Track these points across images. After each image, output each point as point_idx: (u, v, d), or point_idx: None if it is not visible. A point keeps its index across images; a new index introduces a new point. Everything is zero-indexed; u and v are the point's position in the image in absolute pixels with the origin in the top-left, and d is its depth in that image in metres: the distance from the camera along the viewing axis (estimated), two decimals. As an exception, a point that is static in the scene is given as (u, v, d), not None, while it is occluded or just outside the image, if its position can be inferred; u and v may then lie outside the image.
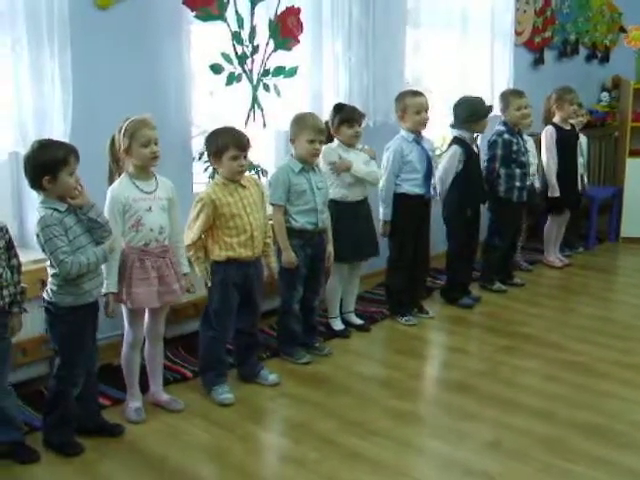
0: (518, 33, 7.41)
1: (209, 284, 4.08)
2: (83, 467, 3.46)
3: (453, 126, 5.70)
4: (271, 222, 4.41)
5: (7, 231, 3.43)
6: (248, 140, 4.07)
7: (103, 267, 3.62)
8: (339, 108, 4.93)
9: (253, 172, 5.08)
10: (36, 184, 3.39)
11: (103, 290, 3.65)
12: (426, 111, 5.14)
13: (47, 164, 3.34)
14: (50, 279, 3.49)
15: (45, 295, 3.52)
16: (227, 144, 3.99)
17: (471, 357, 4.80)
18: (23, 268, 3.55)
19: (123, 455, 3.58)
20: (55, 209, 3.38)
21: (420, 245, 5.32)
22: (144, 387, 4.01)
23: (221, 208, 3.99)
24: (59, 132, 3.96)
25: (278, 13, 4.97)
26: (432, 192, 5.31)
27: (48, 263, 3.47)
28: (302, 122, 4.52)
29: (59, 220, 3.37)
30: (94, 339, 3.67)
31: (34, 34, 3.90)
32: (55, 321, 3.52)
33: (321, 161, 4.81)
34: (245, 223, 4.04)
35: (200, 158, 4.80)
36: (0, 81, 3.90)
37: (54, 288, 3.47)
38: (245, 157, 4.05)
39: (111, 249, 3.54)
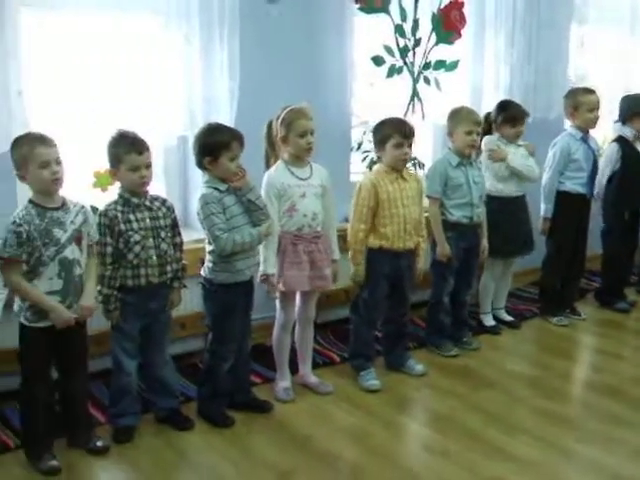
0: (693, 30, 7.06)
1: (361, 280, 4.15)
2: (233, 438, 3.62)
3: (616, 122, 5.53)
4: (426, 215, 4.43)
5: (173, 211, 3.64)
6: (412, 129, 4.12)
7: (260, 249, 3.75)
8: (504, 106, 4.90)
9: (410, 164, 5.12)
10: (199, 163, 3.58)
11: (261, 270, 3.79)
12: (597, 109, 5.03)
13: (210, 146, 3.53)
14: (207, 256, 3.67)
15: (202, 272, 3.71)
16: (391, 132, 4.05)
17: (624, 362, 4.66)
18: (185, 247, 3.75)
19: (271, 431, 3.71)
20: (216, 188, 3.55)
21: (577, 245, 5.20)
22: (294, 368, 4.14)
23: (381, 194, 4.06)
24: (225, 118, 4.14)
25: (441, 6, 4.98)
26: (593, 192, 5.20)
27: (207, 240, 3.64)
28: (459, 115, 4.52)
29: (218, 199, 3.54)
30: (247, 318, 3.82)
31: (206, 24, 4.11)
32: (209, 297, 3.70)
33: (482, 152, 4.83)
34: (400, 214, 4.08)
35: (358, 148, 4.89)
36: (173, 69, 4.11)
37: (210, 265, 3.65)
38: (409, 146, 4.09)
39: (267, 233, 3.67)
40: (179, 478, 3.37)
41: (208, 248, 3.65)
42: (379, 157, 4.21)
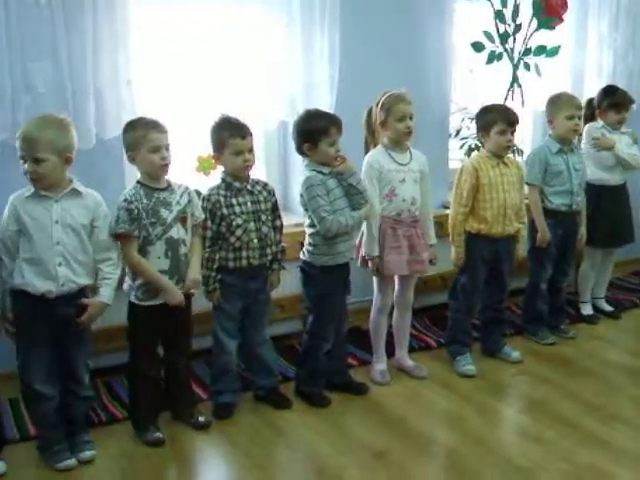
0: None
1: (462, 263, 4.17)
2: (329, 418, 3.70)
3: None
4: (526, 202, 4.40)
5: (274, 194, 3.73)
6: (517, 117, 4.11)
7: (364, 231, 3.84)
8: (611, 91, 4.82)
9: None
10: (299, 149, 3.67)
11: (364, 253, 3.86)
12: None
13: (308, 132, 3.61)
14: (307, 239, 3.75)
15: (302, 255, 3.79)
16: (496, 119, 4.06)
17: None
18: (285, 230, 3.83)
19: (366, 412, 3.78)
20: (319, 171, 3.63)
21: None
22: (390, 352, 4.19)
23: (482, 178, 4.07)
24: (325, 104, 4.21)
25: (543, -9, 4.92)
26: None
27: (307, 223, 3.73)
28: (559, 100, 4.47)
29: (322, 181, 3.61)
30: (344, 300, 3.88)
31: (307, 11, 4.18)
32: (309, 279, 3.78)
33: (583, 139, 4.78)
34: (500, 199, 4.08)
35: (457, 135, 4.88)
36: (274, 56, 4.21)
37: (310, 248, 3.73)
38: (512, 133, 4.08)
39: (366, 217, 3.73)
40: (276, 454, 3.47)
41: (309, 231, 3.73)
42: (482, 142, 4.22)
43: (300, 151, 3.68)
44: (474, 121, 4.36)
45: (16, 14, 3.49)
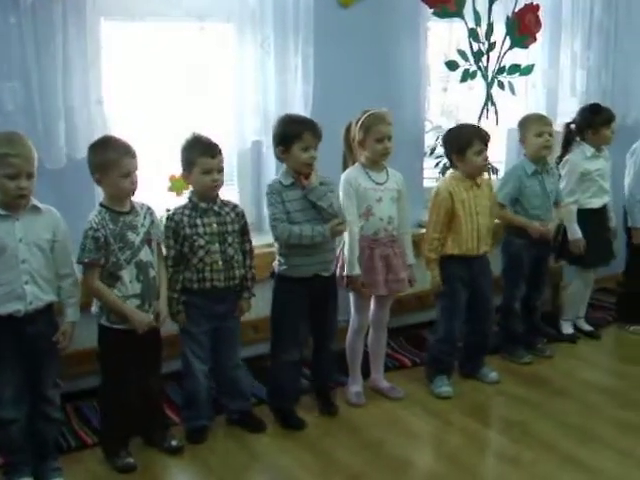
0: None
1: (440, 288, 4.09)
2: (305, 440, 3.64)
3: None
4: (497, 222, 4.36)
5: (243, 216, 3.66)
6: (489, 135, 4.07)
7: (345, 251, 3.79)
8: (597, 109, 4.76)
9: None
10: (276, 154, 3.66)
11: (346, 272, 3.80)
12: None
13: (282, 135, 3.60)
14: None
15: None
16: (472, 139, 3.98)
17: None
18: (257, 250, 3.78)
19: (342, 434, 3.72)
20: (280, 181, 3.61)
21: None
22: (365, 373, 4.14)
23: (456, 203, 4.00)
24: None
25: (516, 10, 4.91)
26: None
27: None
28: (528, 120, 4.48)
29: (278, 191, 3.59)
30: (325, 316, 3.80)
31: (281, 31, 4.16)
32: (275, 287, 3.75)
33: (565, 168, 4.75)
34: (473, 221, 4.02)
35: (432, 153, 4.86)
36: (248, 75, 4.16)
37: (277, 256, 3.71)
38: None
39: (335, 230, 3.63)
40: (251, 479, 3.41)
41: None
42: (454, 165, 4.12)
43: (277, 156, 3.66)
44: (444, 143, 4.28)
45: (-15, 33, 3.45)
